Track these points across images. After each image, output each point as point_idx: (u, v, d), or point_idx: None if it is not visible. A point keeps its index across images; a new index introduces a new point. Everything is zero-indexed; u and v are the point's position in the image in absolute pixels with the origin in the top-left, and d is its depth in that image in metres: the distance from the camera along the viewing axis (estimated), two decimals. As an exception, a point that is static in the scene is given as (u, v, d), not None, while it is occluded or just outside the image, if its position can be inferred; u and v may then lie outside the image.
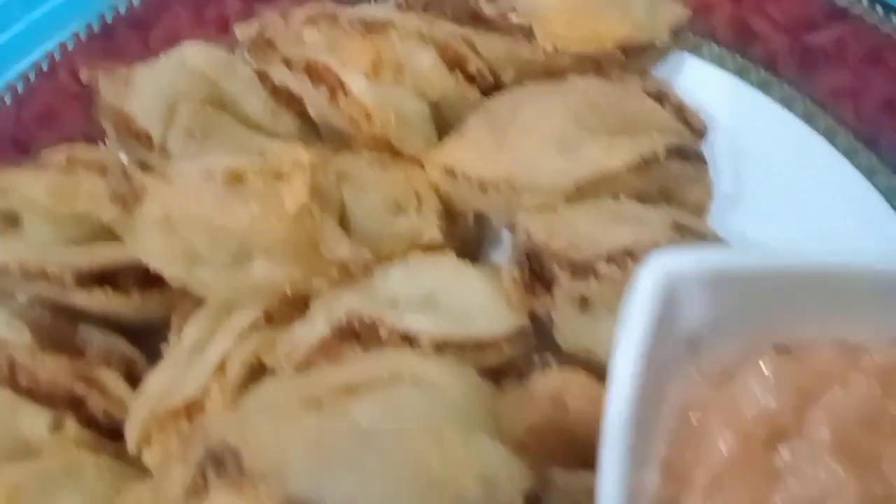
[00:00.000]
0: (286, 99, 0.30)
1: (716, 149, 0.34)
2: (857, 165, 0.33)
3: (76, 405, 0.27)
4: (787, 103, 0.33)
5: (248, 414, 0.20)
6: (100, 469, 0.26)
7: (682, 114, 0.30)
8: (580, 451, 0.24)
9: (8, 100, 0.35)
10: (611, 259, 0.25)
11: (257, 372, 0.27)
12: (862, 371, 0.26)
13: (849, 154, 0.33)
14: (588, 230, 0.26)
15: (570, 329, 0.26)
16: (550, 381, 0.25)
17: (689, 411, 0.26)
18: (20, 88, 0.35)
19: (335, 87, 0.29)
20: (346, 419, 0.20)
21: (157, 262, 0.25)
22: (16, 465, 0.26)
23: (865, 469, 0.25)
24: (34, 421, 0.26)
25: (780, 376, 0.26)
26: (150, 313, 0.29)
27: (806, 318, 0.27)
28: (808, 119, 0.33)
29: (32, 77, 0.35)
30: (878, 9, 0.35)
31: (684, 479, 0.25)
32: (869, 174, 0.33)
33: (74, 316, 0.28)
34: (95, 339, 0.28)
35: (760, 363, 0.27)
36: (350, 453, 0.19)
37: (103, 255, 0.27)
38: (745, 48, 0.34)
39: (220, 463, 0.19)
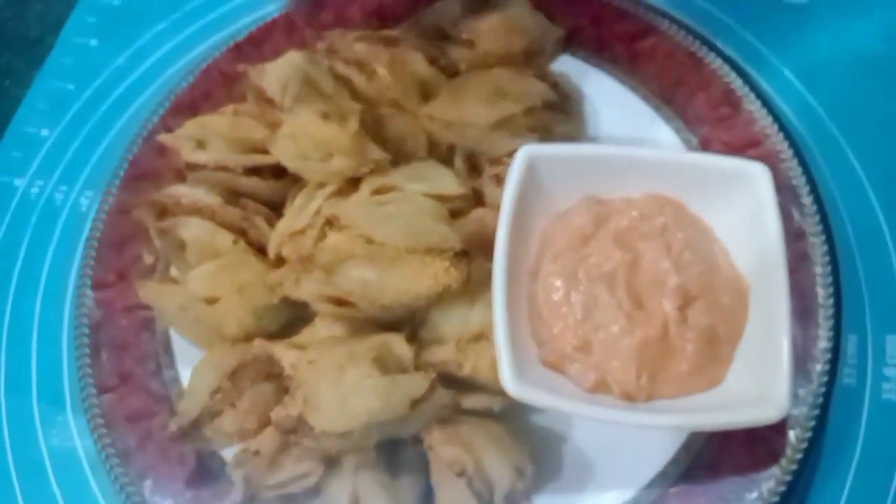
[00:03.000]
0: (344, 81, 0.55)
1: (584, 107, 0.59)
2: (661, 116, 0.54)
3: (243, 233, 0.51)
4: (621, 81, 0.55)
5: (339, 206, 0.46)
6: (256, 263, 0.50)
7: (557, 86, 0.55)
8: (492, 251, 0.48)
9: (184, 85, 0.60)
10: (508, 156, 0.50)
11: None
12: (632, 208, 0.50)
13: (657, 108, 0.55)
14: (498, 143, 0.51)
15: (490, 194, 0.51)
16: (479, 213, 0.49)
17: (545, 232, 0.48)
18: (191, 79, 0.60)
19: (371, 73, 0.53)
20: (379, 207, 0.45)
21: (286, 160, 0.49)
22: (213, 260, 0.51)
23: (626, 249, 0.45)
24: (223, 239, 0.49)
25: (590, 211, 0.48)
26: (277, 194, 0.51)
27: (612, 183, 0.47)
28: (634, 89, 0.56)
29: (197, 72, 0.60)
30: (675, 26, 0.57)
31: (541, 260, 0.49)
32: (667, 120, 0.55)
33: (238, 193, 0.53)
34: (250, 204, 0.53)
35: (583, 205, 0.51)
36: (382, 216, 0.44)
37: (256, 158, 0.51)
38: (600, 51, 0.59)
39: (330, 223, 0.44)
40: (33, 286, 0.58)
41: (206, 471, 0.47)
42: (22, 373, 0.55)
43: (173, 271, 0.53)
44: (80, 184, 0.62)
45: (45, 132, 0.65)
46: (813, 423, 0.44)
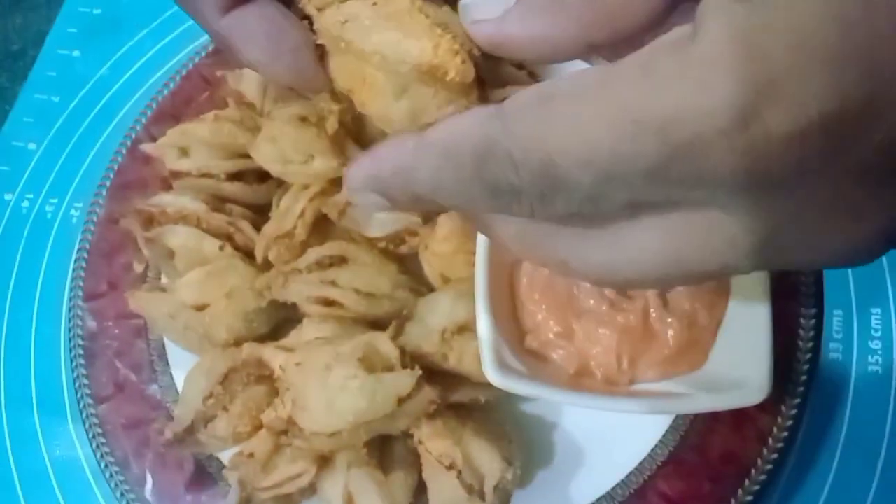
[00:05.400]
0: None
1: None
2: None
3: (229, 238, 0.52)
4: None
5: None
6: (244, 267, 0.51)
7: (532, 74, 0.55)
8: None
9: (165, 92, 0.61)
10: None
11: (318, 221, 0.52)
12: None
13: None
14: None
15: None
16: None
17: None
18: (172, 85, 0.61)
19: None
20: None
21: (268, 164, 0.50)
22: (201, 267, 0.52)
23: None
24: (210, 245, 0.50)
25: None
26: (262, 197, 0.53)
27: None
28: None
29: (178, 79, 0.61)
30: None
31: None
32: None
33: (224, 199, 0.54)
34: (236, 209, 0.53)
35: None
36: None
37: (239, 163, 0.52)
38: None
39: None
40: (29, 299, 0.59)
41: (204, 474, 0.48)
42: (22, 385, 0.56)
43: (164, 278, 0.54)
44: (69, 195, 0.63)
45: (32, 146, 0.65)
46: (798, 402, 0.45)
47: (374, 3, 0.30)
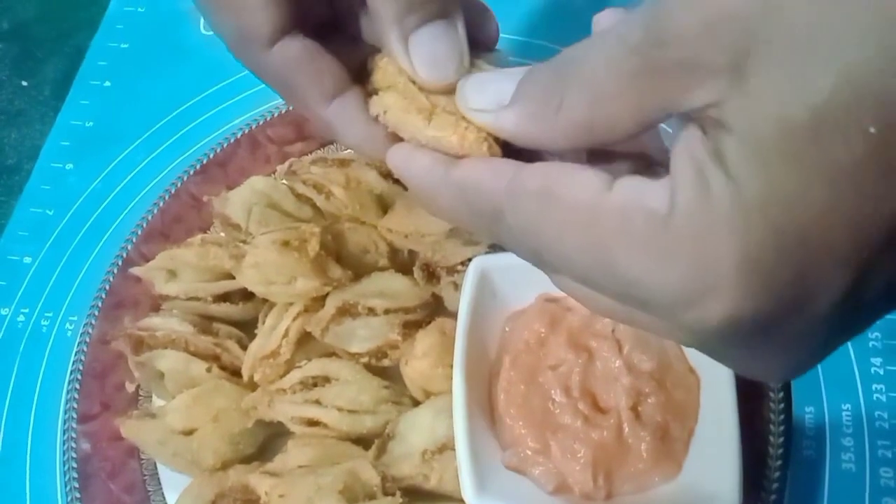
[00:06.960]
0: (304, 200, 0.58)
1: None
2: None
3: (216, 359, 0.54)
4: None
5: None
6: (230, 388, 0.53)
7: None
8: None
9: (155, 210, 0.63)
10: (463, 263, 0.52)
11: (303, 336, 0.54)
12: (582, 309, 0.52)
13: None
14: (451, 252, 0.53)
15: (449, 300, 0.53)
16: (439, 323, 0.52)
17: (503, 335, 0.52)
18: (161, 203, 0.63)
19: (329, 193, 0.57)
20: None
21: (252, 286, 0.52)
22: (188, 390, 0.53)
23: (579, 350, 0.49)
24: (197, 368, 0.52)
25: (544, 312, 0.52)
26: (248, 314, 0.55)
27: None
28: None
29: (167, 197, 0.63)
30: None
31: (500, 362, 0.52)
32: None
33: (210, 318, 0.56)
34: (222, 329, 0.55)
35: (537, 307, 0.53)
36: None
37: (225, 285, 0.54)
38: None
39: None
40: (25, 416, 0.60)
41: None
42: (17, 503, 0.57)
43: (154, 398, 0.55)
44: (64, 309, 0.64)
45: (27, 259, 0.67)
46: (771, 509, 0.46)
47: (405, 98, 0.32)
